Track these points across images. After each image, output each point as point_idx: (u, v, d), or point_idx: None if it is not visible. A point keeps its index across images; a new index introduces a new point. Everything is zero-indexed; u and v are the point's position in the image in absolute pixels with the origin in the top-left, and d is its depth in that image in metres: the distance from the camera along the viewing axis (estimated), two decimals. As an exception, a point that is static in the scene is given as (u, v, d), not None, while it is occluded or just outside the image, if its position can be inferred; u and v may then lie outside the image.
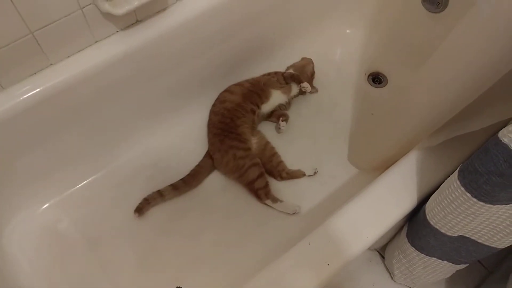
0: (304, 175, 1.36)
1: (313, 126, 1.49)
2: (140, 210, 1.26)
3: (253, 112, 1.39)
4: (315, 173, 1.36)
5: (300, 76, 1.46)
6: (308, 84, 1.43)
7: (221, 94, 1.44)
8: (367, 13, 1.61)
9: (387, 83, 1.59)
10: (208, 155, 1.37)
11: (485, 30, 0.74)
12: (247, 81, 1.46)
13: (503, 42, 0.72)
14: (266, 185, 1.29)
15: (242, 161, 1.29)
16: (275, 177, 1.36)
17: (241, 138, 1.33)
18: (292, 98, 1.50)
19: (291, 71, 1.49)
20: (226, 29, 1.33)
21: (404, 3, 1.46)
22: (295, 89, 1.47)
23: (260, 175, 1.28)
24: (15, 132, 1.09)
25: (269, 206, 1.29)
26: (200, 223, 1.30)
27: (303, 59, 1.55)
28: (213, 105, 1.43)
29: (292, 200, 1.32)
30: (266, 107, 1.43)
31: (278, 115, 1.46)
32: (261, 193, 1.28)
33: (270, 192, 1.29)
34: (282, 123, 1.42)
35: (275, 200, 1.28)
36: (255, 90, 1.41)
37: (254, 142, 1.37)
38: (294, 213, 1.28)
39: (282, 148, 1.42)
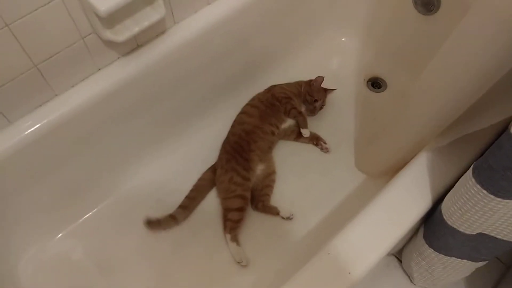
0: (278, 214, 1.31)
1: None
2: (151, 224, 1.26)
3: (273, 133, 1.39)
4: (288, 218, 1.30)
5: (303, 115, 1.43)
6: (307, 131, 1.42)
7: (238, 115, 1.43)
8: (360, 20, 1.63)
9: (386, 87, 1.61)
10: (212, 168, 1.38)
11: (484, 31, 0.76)
12: (260, 101, 1.43)
13: (502, 42, 0.73)
14: (238, 221, 1.25)
15: (234, 186, 1.28)
16: (252, 204, 1.33)
17: (246, 166, 1.31)
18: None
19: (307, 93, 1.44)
20: (224, 48, 1.35)
21: (396, 7, 1.48)
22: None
23: (239, 209, 1.26)
24: (25, 165, 1.10)
25: (226, 241, 1.26)
26: (212, 242, 1.30)
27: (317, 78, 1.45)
28: (232, 126, 1.42)
29: (303, 209, 1.32)
30: (285, 125, 1.42)
31: (314, 138, 1.45)
32: (228, 225, 1.25)
33: (235, 230, 1.25)
34: (325, 146, 1.43)
35: (233, 239, 1.24)
36: (272, 113, 1.40)
37: (260, 168, 1.36)
38: (238, 262, 1.23)
39: (289, 159, 1.43)
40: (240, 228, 1.28)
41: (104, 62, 1.12)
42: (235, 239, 1.25)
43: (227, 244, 1.26)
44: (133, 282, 1.24)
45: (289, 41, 1.60)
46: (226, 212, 1.28)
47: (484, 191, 0.79)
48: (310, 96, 1.43)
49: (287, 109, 1.41)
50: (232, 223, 1.25)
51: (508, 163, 0.72)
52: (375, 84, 1.61)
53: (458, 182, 0.88)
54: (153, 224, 1.27)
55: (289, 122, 1.43)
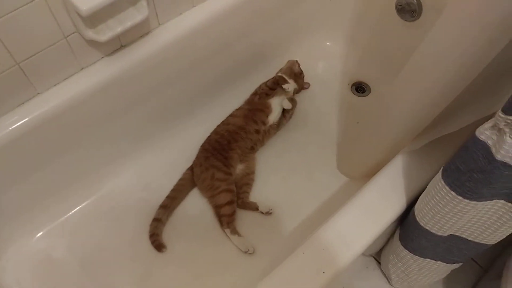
0: (257, 209, 1.33)
1: (301, 139, 1.51)
2: (160, 245, 1.27)
3: (258, 132, 1.40)
4: (267, 212, 1.33)
5: (282, 78, 1.45)
6: (289, 84, 1.43)
7: (226, 118, 1.45)
8: (345, 25, 1.65)
9: (370, 92, 1.63)
10: (191, 168, 1.39)
11: (456, 35, 0.77)
12: (244, 104, 1.49)
13: (475, 47, 0.75)
14: (232, 214, 1.28)
15: (218, 183, 1.30)
16: None
17: (226, 162, 1.33)
18: (294, 95, 1.51)
19: (280, 74, 1.49)
20: (209, 50, 1.36)
21: (380, 13, 1.51)
22: (291, 87, 1.46)
23: (230, 203, 1.28)
24: (5, 162, 1.10)
25: (227, 235, 1.28)
26: (196, 242, 1.30)
27: (288, 61, 1.55)
28: (217, 126, 1.44)
29: (285, 211, 1.34)
30: (274, 116, 1.43)
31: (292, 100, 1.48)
32: (224, 220, 1.28)
33: (233, 223, 1.28)
34: (285, 85, 1.42)
35: (234, 232, 1.27)
36: (255, 108, 1.43)
37: (240, 168, 1.38)
38: (246, 252, 1.25)
39: (273, 162, 1.44)
40: (236, 220, 1.30)
41: (87, 61, 1.13)
42: (235, 231, 1.27)
43: (229, 238, 1.27)
44: (116, 281, 1.24)
45: (274, 45, 1.62)
46: (217, 209, 1.30)
47: (453, 193, 0.81)
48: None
49: (265, 85, 1.45)
50: (227, 218, 1.27)
51: (474, 165, 0.74)
52: (359, 88, 1.64)
53: (429, 184, 0.90)
54: (159, 243, 1.27)
55: (276, 111, 1.43)
